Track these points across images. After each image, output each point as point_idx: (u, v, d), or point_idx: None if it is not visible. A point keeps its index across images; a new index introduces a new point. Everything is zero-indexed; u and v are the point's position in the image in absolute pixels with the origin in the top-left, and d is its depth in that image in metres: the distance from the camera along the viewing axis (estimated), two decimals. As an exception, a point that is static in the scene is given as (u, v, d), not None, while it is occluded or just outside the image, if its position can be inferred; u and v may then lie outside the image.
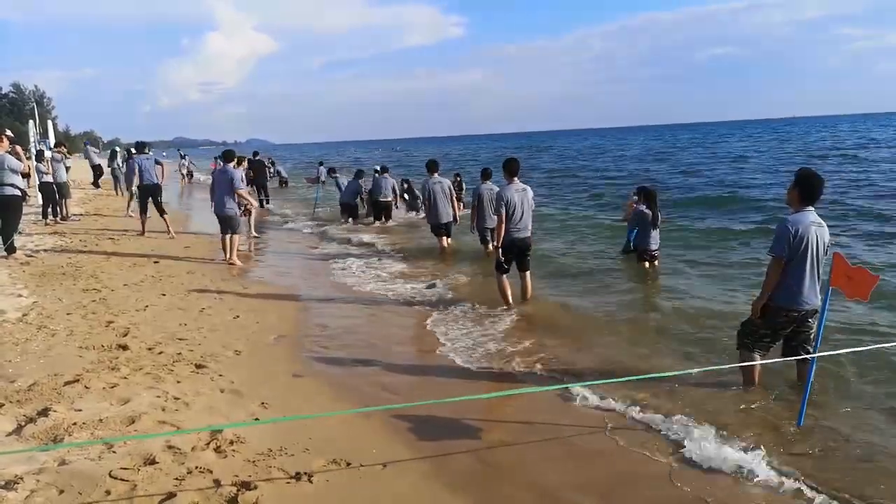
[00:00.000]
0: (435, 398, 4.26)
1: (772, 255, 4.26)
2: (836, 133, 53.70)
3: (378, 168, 14.50)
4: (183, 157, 31.46)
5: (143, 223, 12.11)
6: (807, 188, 4.24)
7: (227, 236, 9.55)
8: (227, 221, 9.53)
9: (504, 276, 6.81)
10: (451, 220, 10.17)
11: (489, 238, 9.37)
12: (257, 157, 19.12)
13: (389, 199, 13.91)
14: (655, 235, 8.21)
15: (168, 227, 11.96)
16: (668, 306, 6.78)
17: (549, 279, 8.18)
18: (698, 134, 79.20)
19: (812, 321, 4.29)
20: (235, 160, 10.26)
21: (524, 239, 6.73)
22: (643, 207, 8.22)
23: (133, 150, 14.17)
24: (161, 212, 11.91)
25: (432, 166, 10.35)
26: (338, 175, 18.86)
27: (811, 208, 4.27)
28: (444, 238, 10.19)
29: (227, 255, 9.53)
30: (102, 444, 3.42)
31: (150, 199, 11.82)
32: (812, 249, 4.18)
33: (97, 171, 22.47)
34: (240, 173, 9.97)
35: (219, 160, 10.46)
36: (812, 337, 4.28)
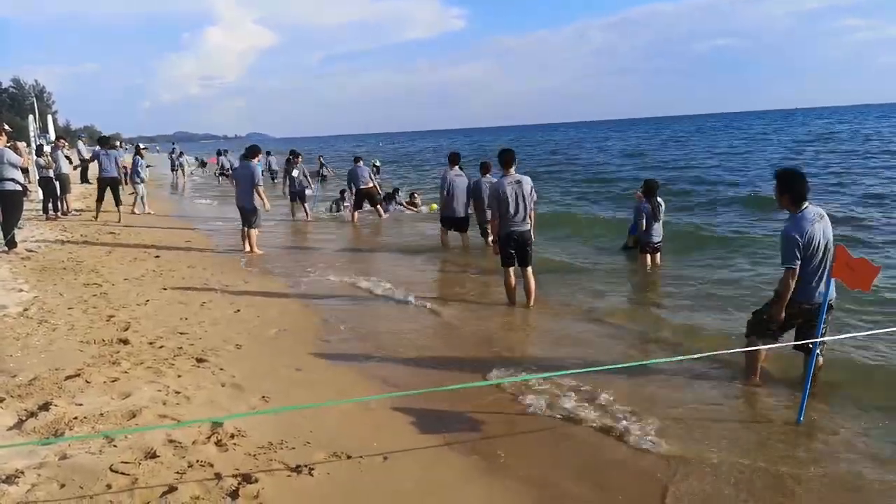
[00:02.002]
0: (438, 394, 4.26)
1: (786, 267, 4.15)
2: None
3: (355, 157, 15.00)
4: (175, 153, 30.36)
5: (97, 210, 13.25)
6: (795, 188, 4.19)
7: (247, 229, 9.96)
8: (246, 215, 9.92)
9: (510, 270, 6.64)
10: (463, 216, 9.93)
11: (490, 232, 9.43)
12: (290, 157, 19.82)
13: (369, 185, 14.23)
14: (658, 228, 8.19)
15: (120, 215, 13.13)
16: (669, 299, 6.78)
17: (549, 274, 8.15)
18: (687, 127, 78.86)
19: (826, 314, 4.18)
20: (258, 156, 10.60)
21: (522, 232, 6.49)
22: (643, 201, 8.22)
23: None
24: (117, 202, 13.21)
25: (454, 158, 10.15)
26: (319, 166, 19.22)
27: (807, 204, 4.20)
28: (450, 233, 9.99)
29: (249, 248, 9.94)
30: (103, 437, 3.42)
31: (109, 189, 13.05)
32: (820, 246, 4.14)
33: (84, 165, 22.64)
34: (260, 169, 10.36)
35: (223, 155, 10.74)
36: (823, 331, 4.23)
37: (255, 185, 9.79)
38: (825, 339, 4.02)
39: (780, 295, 4.23)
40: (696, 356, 4.39)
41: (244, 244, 10.11)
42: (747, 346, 4.45)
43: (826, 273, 4.14)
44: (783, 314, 4.25)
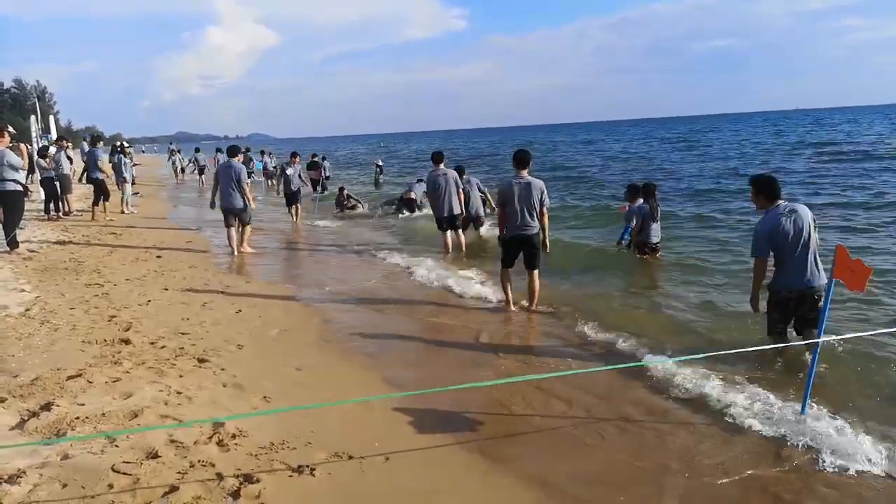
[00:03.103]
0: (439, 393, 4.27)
1: (754, 257, 4.76)
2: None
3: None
4: (175, 153, 29.17)
5: (100, 211, 13.53)
6: (767, 190, 4.72)
7: (237, 228, 9.94)
8: (237, 214, 9.91)
9: (508, 271, 6.55)
10: (458, 213, 9.86)
11: (457, 224, 10.04)
12: (314, 159, 20.47)
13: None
14: (656, 228, 8.24)
15: (93, 213, 13.52)
16: (670, 298, 6.77)
17: (548, 273, 8.12)
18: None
19: (817, 306, 4.53)
20: (241, 155, 10.64)
21: (529, 236, 6.36)
22: (640, 201, 8.25)
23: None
24: (104, 199, 13.55)
25: (437, 157, 10.14)
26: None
27: (779, 202, 4.67)
28: (450, 233, 10.00)
29: (240, 245, 9.97)
30: (105, 438, 3.42)
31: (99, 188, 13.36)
32: (795, 236, 4.55)
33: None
34: (246, 169, 10.40)
35: (219, 155, 10.81)
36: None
37: (241, 184, 9.82)
38: (831, 338, 4.07)
39: (753, 282, 4.84)
40: (700, 356, 4.36)
41: (231, 244, 9.97)
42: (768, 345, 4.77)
43: (809, 262, 4.55)
44: (775, 299, 4.76)
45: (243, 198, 9.83)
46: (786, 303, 4.69)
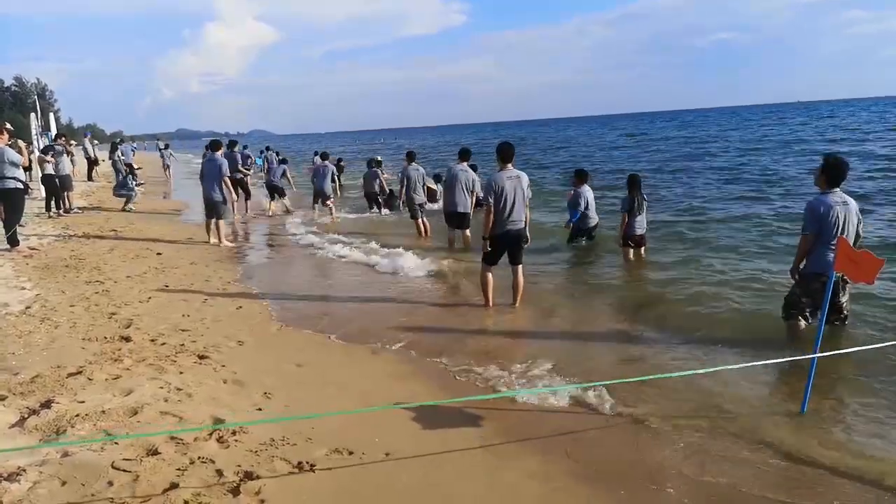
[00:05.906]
0: (438, 390, 4.26)
1: (803, 234, 4.85)
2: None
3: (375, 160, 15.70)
4: (164, 148, 28.61)
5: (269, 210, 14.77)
6: (833, 173, 4.76)
7: (213, 221, 10.39)
8: (215, 207, 10.32)
9: (491, 270, 6.40)
10: (467, 211, 9.82)
11: (418, 214, 10.88)
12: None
13: (431, 187, 14.63)
14: (641, 220, 8.19)
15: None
16: (666, 296, 6.74)
17: (532, 272, 8.07)
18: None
19: (843, 292, 4.86)
20: (222, 149, 11.09)
21: (518, 231, 6.25)
22: (582, 190, 9.00)
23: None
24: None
25: (464, 155, 9.94)
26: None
27: (837, 190, 4.78)
28: (456, 230, 9.95)
29: (218, 240, 10.35)
30: (105, 436, 3.42)
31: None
32: (839, 224, 4.67)
33: (91, 163, 22.87)
34: (226, 162, 10.78)
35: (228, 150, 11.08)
36: (845, 306, 4.90)
37: (221, 176, 10.21)
38: (818, 355, 3.95)
39: (796, 255, 4.94)
40: (701, 371, 4.28)
41: (209, 237, 10.50)
42: (786, 327, 5.05)
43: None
44: (809, 286, 4.81)
45: (221, 192, 10.20)
46: (819, 290, 4.60)
